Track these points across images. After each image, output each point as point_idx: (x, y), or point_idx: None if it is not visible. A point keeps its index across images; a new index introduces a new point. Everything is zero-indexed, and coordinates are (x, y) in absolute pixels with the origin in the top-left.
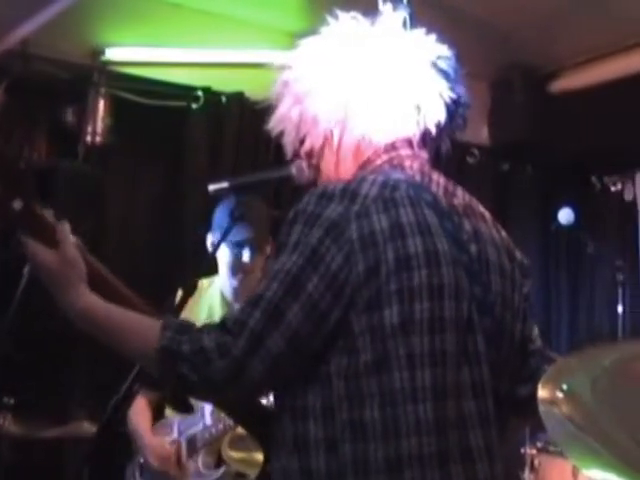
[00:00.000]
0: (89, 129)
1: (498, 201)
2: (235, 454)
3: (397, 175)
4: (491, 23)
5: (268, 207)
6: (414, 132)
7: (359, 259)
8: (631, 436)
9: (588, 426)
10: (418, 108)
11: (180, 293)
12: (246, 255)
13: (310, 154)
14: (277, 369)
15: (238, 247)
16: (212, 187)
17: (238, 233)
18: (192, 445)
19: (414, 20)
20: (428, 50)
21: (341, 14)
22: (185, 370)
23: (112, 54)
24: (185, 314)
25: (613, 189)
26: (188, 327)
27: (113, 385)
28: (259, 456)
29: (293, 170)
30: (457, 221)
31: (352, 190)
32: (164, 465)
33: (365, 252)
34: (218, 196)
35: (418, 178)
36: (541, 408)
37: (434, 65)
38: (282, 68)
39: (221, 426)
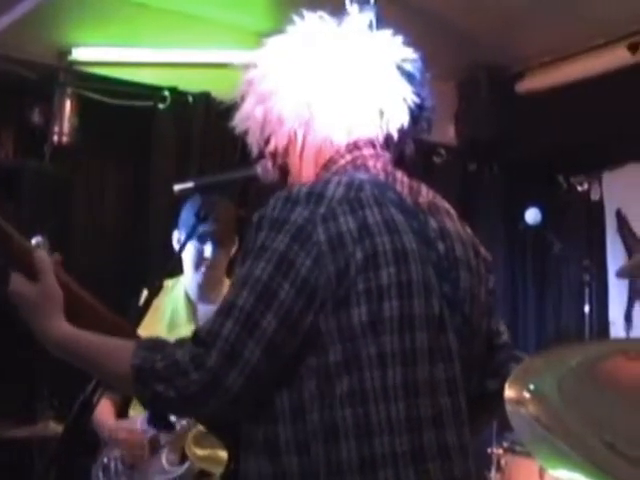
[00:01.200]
0: (56, 129)
1: (465, 201)
2: (199, 451)
3: (361, 175)
4: (457, 23)
5: (234, 207)
6: (377, 134)
7: (328, 262)
8: (597, 436)
9: (555, 426)
10: (381, 111)
11: (145, 293)
12: (208, 249)
13: (275, 154)
14: (255, 378)
15: (200, 241)
16: (177, 187)
17: (201, 228)
18: (155, 442)
19: (381, 21)
20: (394, 52)
21: (307, 14)
22: (161, 388)
23: (79, 54)
24: (150, 314)
25: (580, 189)
26: (161, 344)
27: (79, 385)
28: (223, 453)
29: (259, 170)
30: (423, 219)
31: (317, 193)
32: (134, 450)
33: (334, 254)
34: (184, 196)
35: (382, 177)
36: (508, 408)
37: (399, 68)
38: (247, 67)
39: (185, 423)
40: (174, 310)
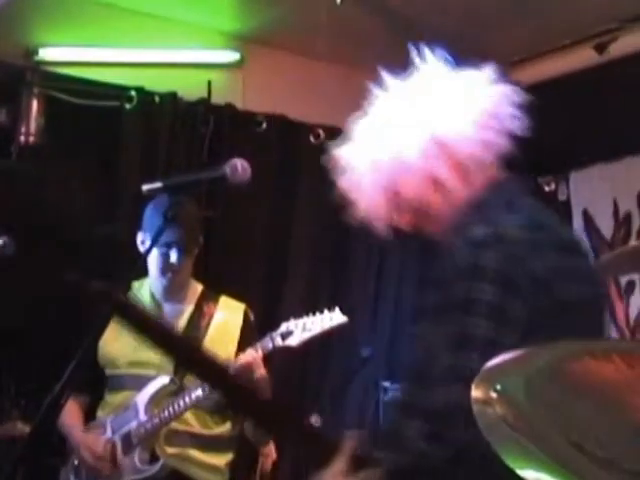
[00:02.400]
0: (22, 129)
1: None
2: (170, 449)
3: (526, 207)
4: (424, 22)
5: (200, 208)
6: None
7: (534, 301)
8: (565, 436)
9: (522, 426)
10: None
11: None
12: (174, 256)
13: (413, 210)
14: None
15: (166, 247)
16: (146, 187)
17: (167, 234)
18: (127, 442)
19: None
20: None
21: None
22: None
23: (45, 54)
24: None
25: (547, 189)
26: (391, 435)
27: (46, 385)
28: (194, 452)
29: (227, 170)
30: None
31: (500, 234)
32: (98, 462)
33: (537, 294)
34: (151, 196)
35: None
36: (475, 408)
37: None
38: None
39: (157, 421)
40: None
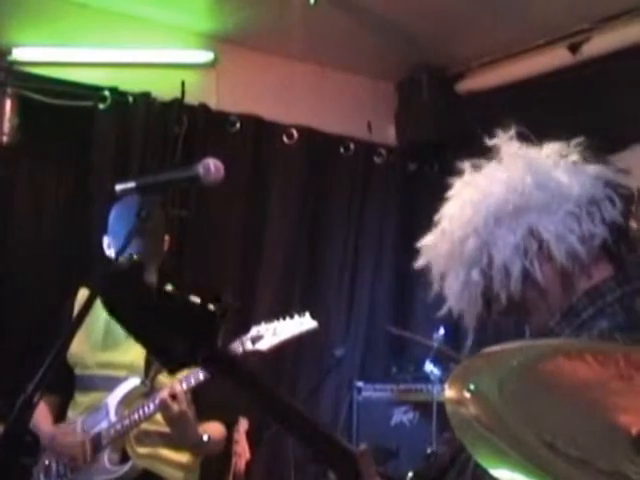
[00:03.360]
0: None
1: (405, 201)
2: (141, 449)
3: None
4: (397, 23)
5: (174, 208)
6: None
7: None
8: (538, 436)
9: (495, 426)
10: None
11: (83, 292)
12: (149, 272)
13: (512, 307)
14: None
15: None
16: (119, 187)
17: (132, 246)
18: (97, 442)
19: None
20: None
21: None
22: None
23: (19, 54)
24: (89, 315)
25: None
26: None
27: (19, 385)
28: (164, 451)
29: (200, 170)
30: None
31: None
32: (70, 463)
33: None
34: (125, 196)
35: None
36: (448, 408)
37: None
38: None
39: (127, 422)
40: (109, 324)
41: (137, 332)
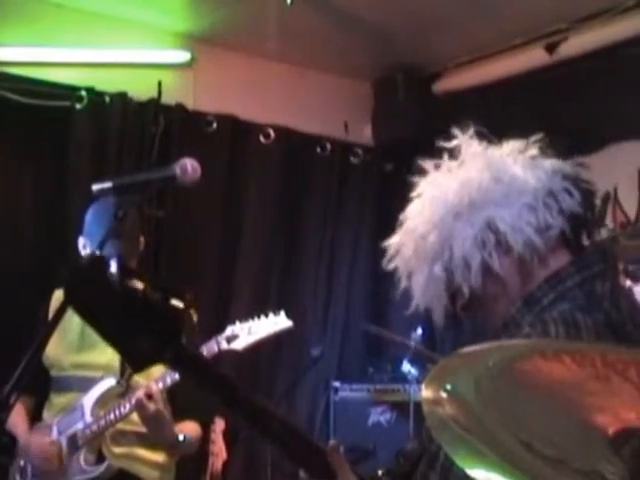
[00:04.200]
0: None
1: (382, 201)
2: (117, 449)
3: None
4: (374, 23)
5: (150, 208)
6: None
7: None
8: (515, 436)
9: (472, 426)
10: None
11: (58, 294)
12: (113, 267)
13: (474, 299)
14: None
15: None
16: (96, 187)
17: (107, 247)
18: (73, 443)
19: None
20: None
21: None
22: None
23: None
24: (65, 316)
25: None
26: None
27: None
28: (140, 451)
29: (177, 170)
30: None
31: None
32: (45, 464)
33: None
34: (102, 196)
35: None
36: (425, 408)
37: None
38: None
39: (102, 422)
40: (84, 326)
41: (102, 329)
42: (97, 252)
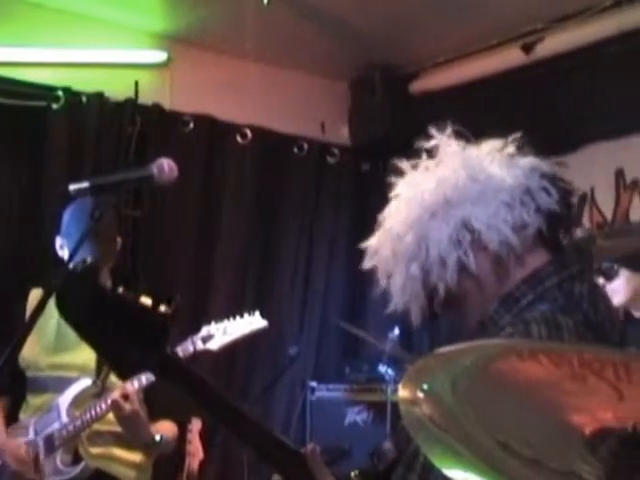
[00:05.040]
0: None
1: (358, 201)
2: (93, 450)
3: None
4: (351, 23)
5: (127, 208)
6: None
7: None
8: (491, 436)
9: (449, 426)
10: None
11: (34, 293)
12: (104, 275)
13: (446, 301)
14: None
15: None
16: (73, 187)
17: (84, 249)
18: (50, 444)
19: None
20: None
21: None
22: None
23: None
24: (41, 317)
25: None
26: None
27: None
28: (117, 451)
29: (154, 170)
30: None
31: (524, 330)
32: (21, 466)
33: None
34: (79, 196)
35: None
36: (402, 408)
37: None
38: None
39: (79, 423)
40: (60, 325)
41: (91, 339)
42: (88, 259)
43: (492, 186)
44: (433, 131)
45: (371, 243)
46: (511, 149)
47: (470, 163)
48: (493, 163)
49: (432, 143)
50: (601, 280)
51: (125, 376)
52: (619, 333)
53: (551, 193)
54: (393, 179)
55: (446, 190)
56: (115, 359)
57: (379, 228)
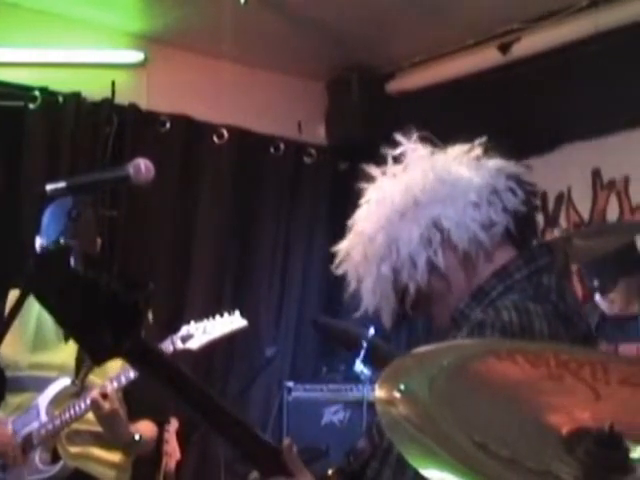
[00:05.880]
0: None
1: (335, 201)
2: (72, 449)
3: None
4: (328, 23)
5: (104, 208)
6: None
7: None
8: (468, 436)
9: (426, 426)
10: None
11: (13, 294)
12: (74, 256)
13: (418, 299)
14: None
15: None
16: (50, 187)
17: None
18: (28, 443)
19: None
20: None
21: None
22: None
23: None
24: (17, 318)
25: None
26: None
27: None
28: (96, 450)
29: (130, 170)
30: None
31: (528, 329)
32: (4, 447)
33: None
34: (54, 197)
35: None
36: (378, 408)
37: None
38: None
39: (58, 422)
40: (39, 318)
41: (62, 318)
42: (61, 240)
43: (460, 187)
44: (399, 137)
45: (342, 247)
46: (478, 152)
47: (438, 166)
48: (460, 165)
49: (399, 150)
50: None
51: (98, 361)
52: (587, 326)
53: (517, 193)
54: (363, 184)
55: (415, 192)
56: (88, 343)
57: (350, 232)
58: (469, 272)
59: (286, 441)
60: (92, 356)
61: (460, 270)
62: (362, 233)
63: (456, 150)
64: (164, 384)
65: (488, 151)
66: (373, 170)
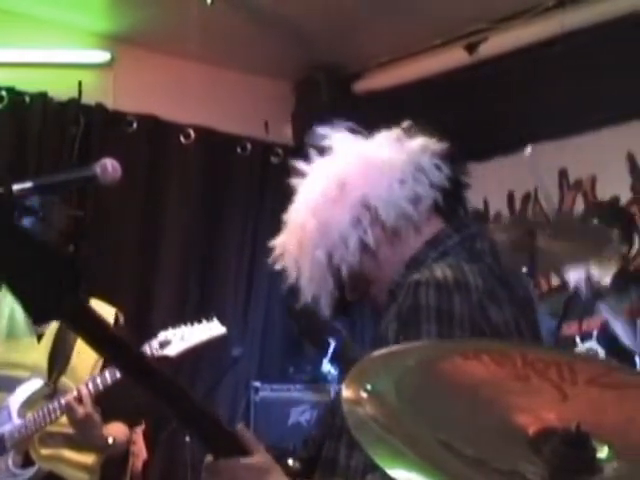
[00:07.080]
0: None
1: None
2: (44, 451)
3: (479, 262)
4: (295, 23)
5: (70, 208)
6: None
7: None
8: (435, 436)
9: (392, 426)
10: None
11: None
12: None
13: (353, 278)
14: None
15: None
16: (16, 187)
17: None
18: (1, 445)
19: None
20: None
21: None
22: None
23: None
24: None
25: None
26: None
27: None
28: (68, 453)
29: (97, 170)
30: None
31: (464, 282)
32: None
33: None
34: (21, 197)
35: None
36: (345, 408)
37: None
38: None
39: (31, 425)
40: (11, 318)
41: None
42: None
43: (386, 167)
44: (325, 130)
45: (278, 241)
46: (400, 134)
47: (362, 151)
48: (384, 147)
49: (326, 142)
50: None
51: (38, 320)
52: (524, 290)
53: (442, 169)
54: (293, 181)
55: (341, 176)
56: (28, 300)
57: (284, 228)
58: (399, 248)
59: (239, 426)
60: (32, 315)
61: (390, 247)
62: (295, 224)
63: (380, 136)
64: (105, 351)
65: (411, 132)
66: (301, 165)
